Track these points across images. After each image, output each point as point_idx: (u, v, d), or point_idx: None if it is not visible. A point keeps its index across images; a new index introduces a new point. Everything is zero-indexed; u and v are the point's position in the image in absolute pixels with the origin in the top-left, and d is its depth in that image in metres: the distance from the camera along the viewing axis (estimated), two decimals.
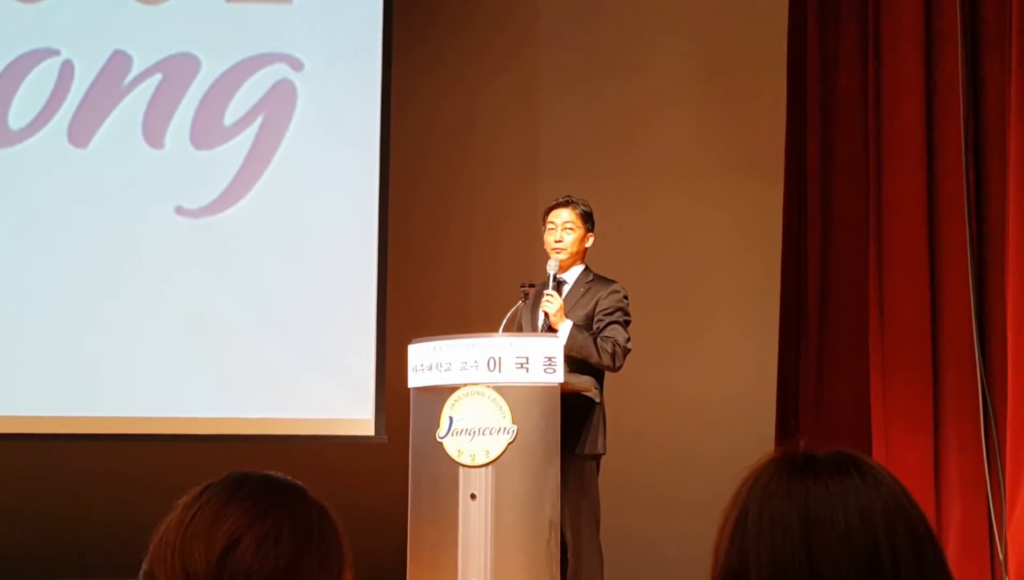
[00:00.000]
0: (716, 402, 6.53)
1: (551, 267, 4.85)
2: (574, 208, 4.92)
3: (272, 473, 1.49)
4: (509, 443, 4.30)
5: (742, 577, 1.34)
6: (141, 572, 1.43)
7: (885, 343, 5.44)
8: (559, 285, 4.85)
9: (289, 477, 1.49)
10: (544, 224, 4.96)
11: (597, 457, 4.73)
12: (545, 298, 4.73)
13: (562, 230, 4.89)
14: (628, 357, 4.81)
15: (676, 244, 6.74)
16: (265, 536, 1.39)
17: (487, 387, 4.33)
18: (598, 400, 4.73)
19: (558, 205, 4.95)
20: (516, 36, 6.88)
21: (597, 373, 4.77)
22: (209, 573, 1.37)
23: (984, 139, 5.24)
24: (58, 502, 6.27)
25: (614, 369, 4.75)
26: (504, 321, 4.81)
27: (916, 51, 5.41)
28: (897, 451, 5.31)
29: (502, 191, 6.77)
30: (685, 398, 6.62)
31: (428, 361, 4.47)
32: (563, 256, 4.87)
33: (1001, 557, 4.97)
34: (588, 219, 4.94)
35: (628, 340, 4.77)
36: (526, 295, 4.90)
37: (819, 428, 5.68)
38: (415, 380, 4.54)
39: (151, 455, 6.02)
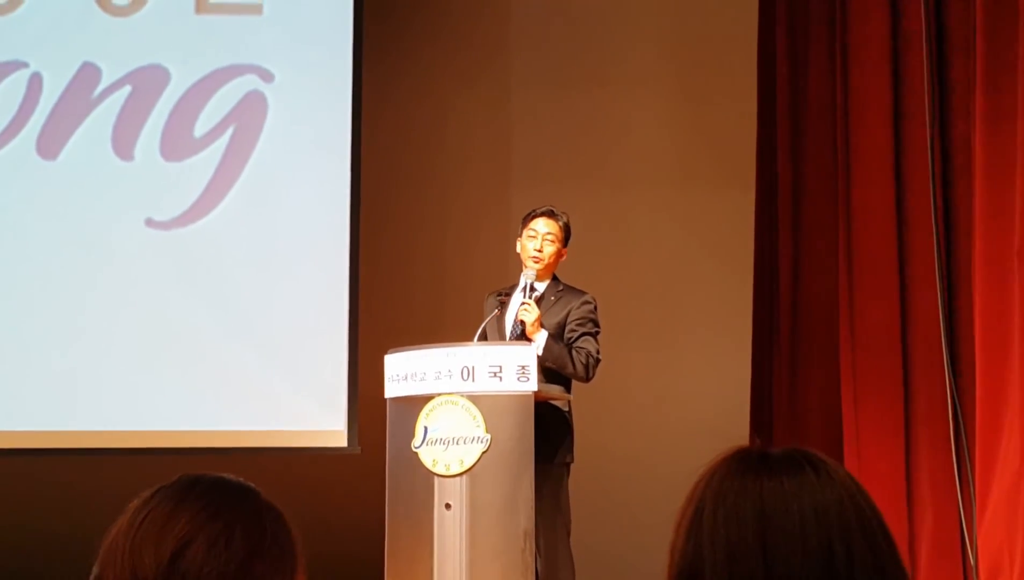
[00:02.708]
0: (688, 412, 6.54)
1: (528, 276, 4.83)
2: (557, 220, 4.90)
3: (225, 475, 1.47)
4: (483, 452, 4.30)
5: (698, 574, 1.34)
6: (91, 576, 1.41)
7: (855, 352, 5.47)
8: (531, 293, 4.85)
9: (242, 479, 1.48)
10: (523, 228, 4.92)
11: (567, 466, 4.74)
12: (522, 307, 4.72)
13: (543, 240, 4.87)
14: (602, 368, 4.83)
15: (648, 253, 6.76)
16: (216, 538, 1.38)
17: (461, 396, 4.33)
18: (567, 409, 4.75)
19: (542, 214, 4.90)
20: (487, 45, 6.89)
21: (566, 382, 4.78)
22: (159, 576, 1.36)
23: (951, 146, 5.29)
24: (24, 516, 6.21)
25: (587, 379, 4.76)
26: (479, 330, 4.80)
27: (883, 59, 5.45)
28: (869, 459, 5.34)
29: (474, 200, 6.77)
30: (657, 409, 6.64)
31: (403, 371, 4.47)
32: (541, 266, 4.86)
33: (972, 562, 5.00)
34: (567, 233, 4.93)
35: (599, 351, 4.78)
36: (503, 304, 4.88)
37: (791, 437, 5.71)
38: (391, 390, 4.54)
39: (119, 469, 5.97)
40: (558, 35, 6.88)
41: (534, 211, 4.93)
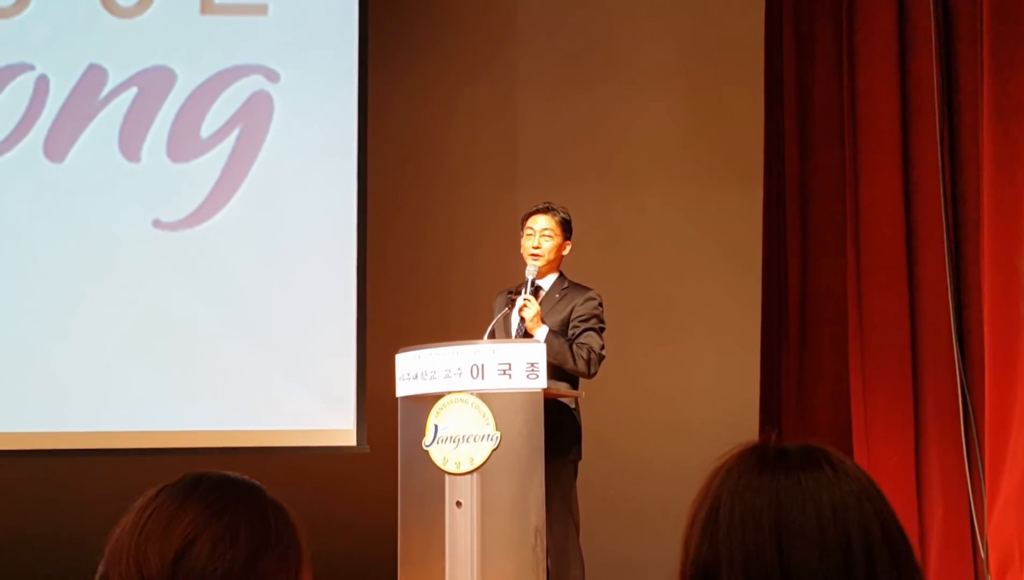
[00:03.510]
0: (697, 409, 6.54)
1: (530, 272, 4.85)
2: (553, 215, 4.94)
3: (229, 473, 1.47)
4: (493, 450, 4.30)
5: (713, 572, 1.33)
6: (97, 575, 1.41)
7: (864, 346, 5.47)
8: (535, 291, 4.87)
9: (246, 477, 1.48)
10: (522, 229, 4.97)
11: (574, 463, 4.74)
12: (523, 303, 4.74)
13: (540, 236, 4.90)
14: (611, 364, 4.83)
15: (656, 250, 6.75)
16: (221, 536, 1.38)
17: (470, 394, 4.34)
18: (573, 406, 4.75)
19: (537, 211, 4.96)
20: (492, 43, 6.89)
21: (572, 379, 4.79)
22: (164, 575, 1.36)
23: (959, 141, 5.28)
24: (31, 518, 6.21)
25: (589, 375, 4.77)
26: (489, 329, 4.81)
27: (890, 55, 5.45)
28: (878, 453, 5.34)
29: (481, 198, 6.77)
30: (665, 406, 6.63)
31: (414, 370, 4.48)
32: (540, 262, 4.88)
33: (983, 555, 5.00)
34: (567, 227, 4.95)
35: (603, 347, 4.79)
36: (512, 302, 4.89)
37: (801, 432, 5.70)
38: (402, 389, 4.55)
39: (128, 470, 5.97)
40: (563, 33, 6.88)
41: (530, 209, 4.97)
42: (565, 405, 4.70)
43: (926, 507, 5.26)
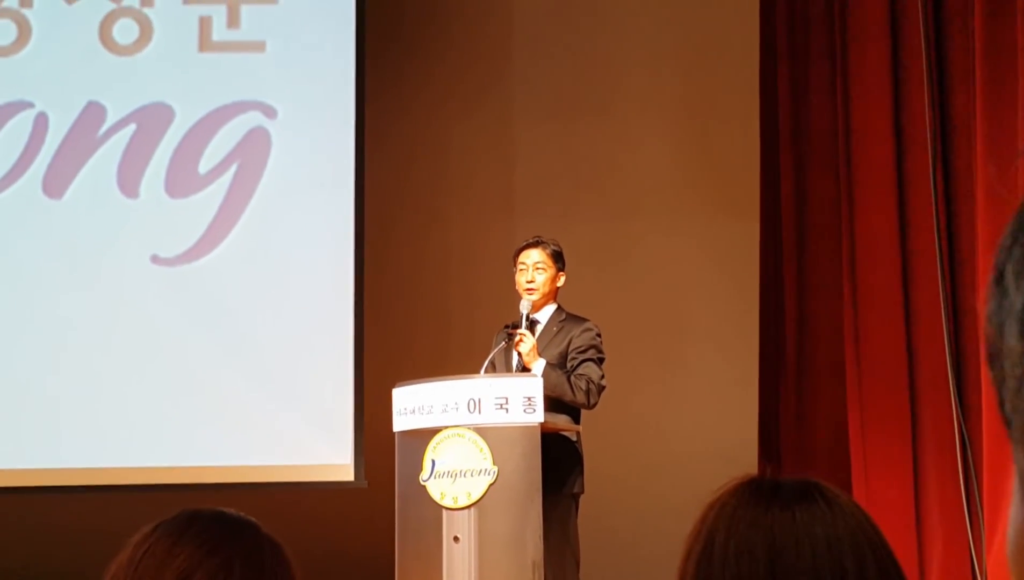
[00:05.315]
0: (696, 442, 6.53)
1: (524, 306, 4.86)
2: (544, 248, 4.95)
3: (224, 510, 1.47)
4: (490, 484, 4.28)
5: None
6: None
7: (862, 379, 5.47)
8: (532, 324, 4.87)
9: (242, 514, 1.48)
10: (515, 265, 4.97)
11: (576, 496, 4.73)
12: (519, 337, 4.75)
13: (533, 270, 4.91)
14: (608, 397, 4.82)
15: (652, 280, 6.76)
16: (215, 573, 1.38)
17: (467, 429, 4.33)
18: (575, 439, 4.74)
19: (528, 246, 4.97)
20: (489, 75, 6.93)
21: (574, 412, 4.78)
22: None
23: (953, 171, 5.30)
24: (22, 555, 6.18)
25: (589, 406, 4.75)
26: (486, 362, 4.81)
27: (883, 87, 5.48)
28: (877, 486, 5.33)
29: (478, 231, 6.79)
30: (664, 438, 6.62)
31: (411, 404, 4.48)
32: (535, 296, 4.88)
33: None
34: (559, 259, 4.96)
35: (602, 377, 4.78)
36: (510, 336, 4.89)
37: (800, 465, 5.69)
38: (399, 424, 4.54)
39: (124, 506, 5.96)
40: (559, 64, 6.91)
41: (521, 245, 4.99)
42: (566, 438, 4.69)
43: (925, 540, 5.25)
